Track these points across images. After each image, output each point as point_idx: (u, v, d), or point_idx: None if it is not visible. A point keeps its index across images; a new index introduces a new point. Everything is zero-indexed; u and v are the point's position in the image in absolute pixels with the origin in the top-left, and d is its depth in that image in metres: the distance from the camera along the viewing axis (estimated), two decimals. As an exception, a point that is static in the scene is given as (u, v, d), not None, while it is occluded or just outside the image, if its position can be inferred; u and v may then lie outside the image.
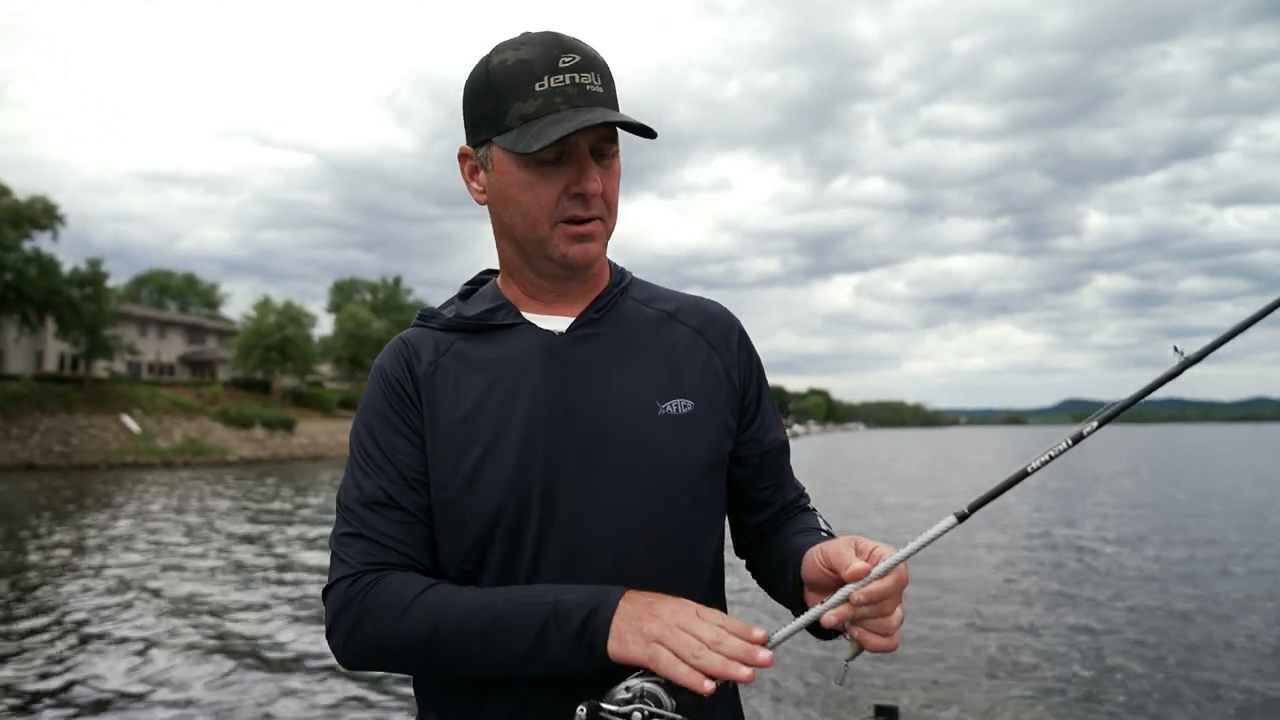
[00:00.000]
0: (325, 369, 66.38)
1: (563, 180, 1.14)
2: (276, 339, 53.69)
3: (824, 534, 1.28)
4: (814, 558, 1.12)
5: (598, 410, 1.18)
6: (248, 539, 15.02)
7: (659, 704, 0.97)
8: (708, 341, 1.29)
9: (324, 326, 68.70)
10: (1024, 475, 1.06)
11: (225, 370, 60.14)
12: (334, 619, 1.13)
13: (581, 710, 0.97)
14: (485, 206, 1.25)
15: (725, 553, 1.33)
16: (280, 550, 13.58)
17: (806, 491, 1.42)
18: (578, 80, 1.12)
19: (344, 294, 76.06)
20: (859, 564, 1.02)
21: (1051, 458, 1.06)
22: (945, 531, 1.02)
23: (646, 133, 1.14)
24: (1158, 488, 24.08)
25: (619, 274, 1.32)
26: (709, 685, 0.96)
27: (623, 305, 1.28)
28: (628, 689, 0.99)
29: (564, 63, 1.12)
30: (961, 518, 1.03)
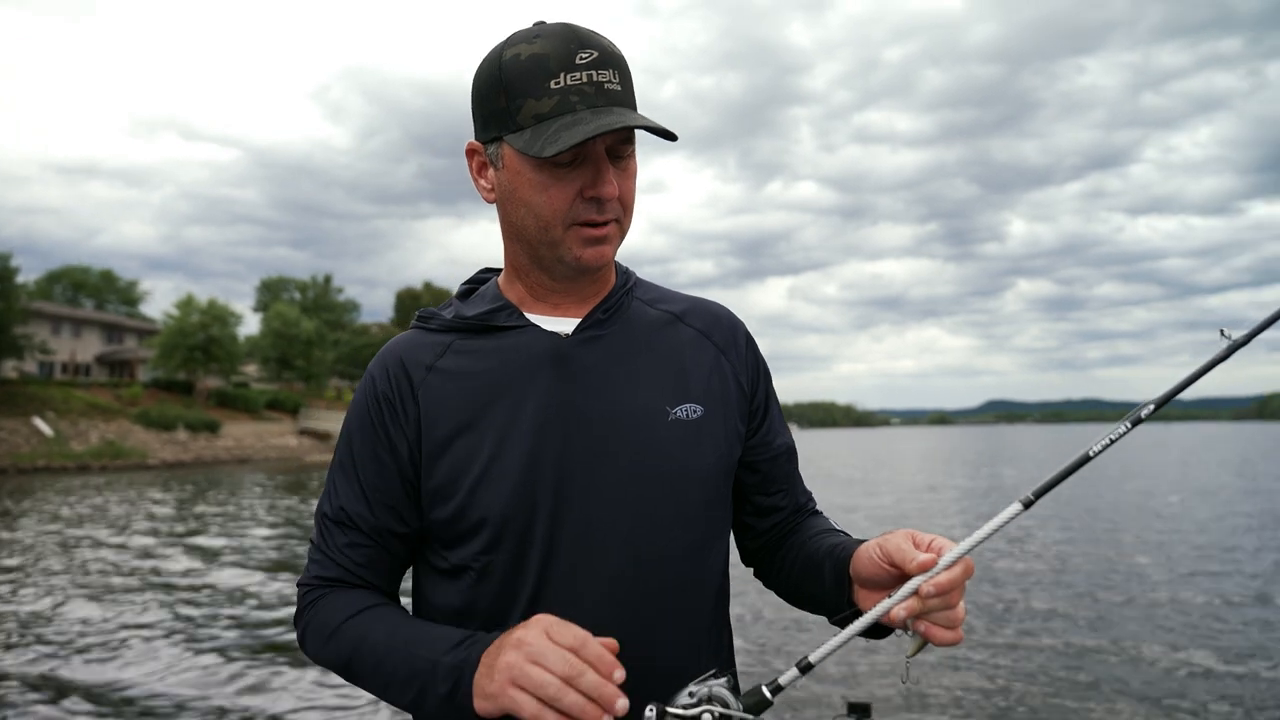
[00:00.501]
0: (252, 369, 64.53)
1: (578, 183, 1.10)
2: (200, 338, 51.94)
3: (842, 534, 1.26)
4: (870, 553, 1.08)
5: (609, 415, 1.15)
6: (149, 549, 14.12)
7: (726, 705, 0.95)
8: (715, 344, 1.27)
9: (250, 326, 66.98)
10: (1086, 459, 1.04)
11: (145, 371, 57.92)
12: (295, 620, 1.23)
13: (650, 711, 0.94)
14: (492, 204, 1.20)
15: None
16: (175, 565, 12.64)
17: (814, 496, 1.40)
18: (595, 78, 1.07)
19: (272, 293, 74.10)
20: (925, 555, 1.00)
21: (1112, 441, 1.05)
22: (1011, 519, 1.00)
23: (667, 135, 1.09)
24: (1085, 485, 24.93)
25: (624, 274, 1.28)
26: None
27: (628, 306, 1.25)
28: (691, 694, 0.97)
29: (581, 59, 1.07)
30: (1027, 504, 1.00)
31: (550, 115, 1.06)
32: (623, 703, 0.91)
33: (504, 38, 1.13)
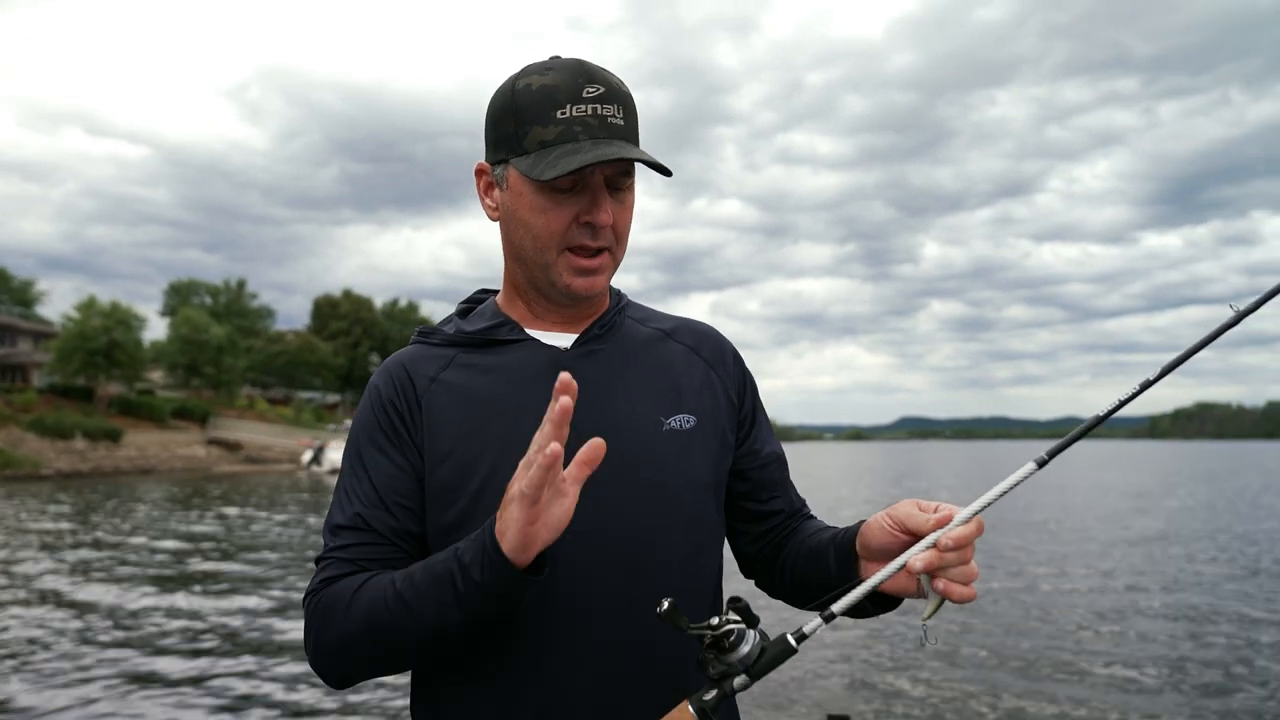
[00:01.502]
0: (158, 376, 61.81)
1: (575, 209, 1.15)
2: (102, 342, 49.44)
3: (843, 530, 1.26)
4: (880, 523, 1.11)
5: (607, 426, 1.15)
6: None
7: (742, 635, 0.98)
8: (704, 359, 1.32)
9: (157, 330, 64.20)
10: (1098, 421, 1.02)
11: (41, 375, 54.85)
12: (305, 637, 1.15)
13: (664, 604, 0.98)
14: (496, 223, 1.24)
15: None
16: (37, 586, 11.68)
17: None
18: (600, 111, 1.13)
19: (181, 296, 71.16)
20: (944, 511, 1.04)
21: (1122, 402, 1.04)
22: (1025, 478, 1.01)
23: (662, 171, 1.14)
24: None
25: (617, 296, 1.33)
26: (599, 444, 0.94)
27: (622, 324, 1.30)
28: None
29: (588, 93, 1.13)
30: (1041, 464, 1.02)
31: (554, 142, 1.12)
32: (565, 374, 0.94)
33: (520, 68, 1.20)
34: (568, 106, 1.12)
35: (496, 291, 1.33)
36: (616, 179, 1.16)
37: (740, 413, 1.32)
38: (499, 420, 1.16)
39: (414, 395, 1.19)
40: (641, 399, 1.22)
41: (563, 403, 0.92)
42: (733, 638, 0.96)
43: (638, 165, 1.17)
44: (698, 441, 1.23)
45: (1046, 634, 8.87)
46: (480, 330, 1.24)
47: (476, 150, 1.27)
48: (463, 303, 1.35)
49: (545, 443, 0.92)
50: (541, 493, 0.93)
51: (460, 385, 1.20)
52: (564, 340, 1.24)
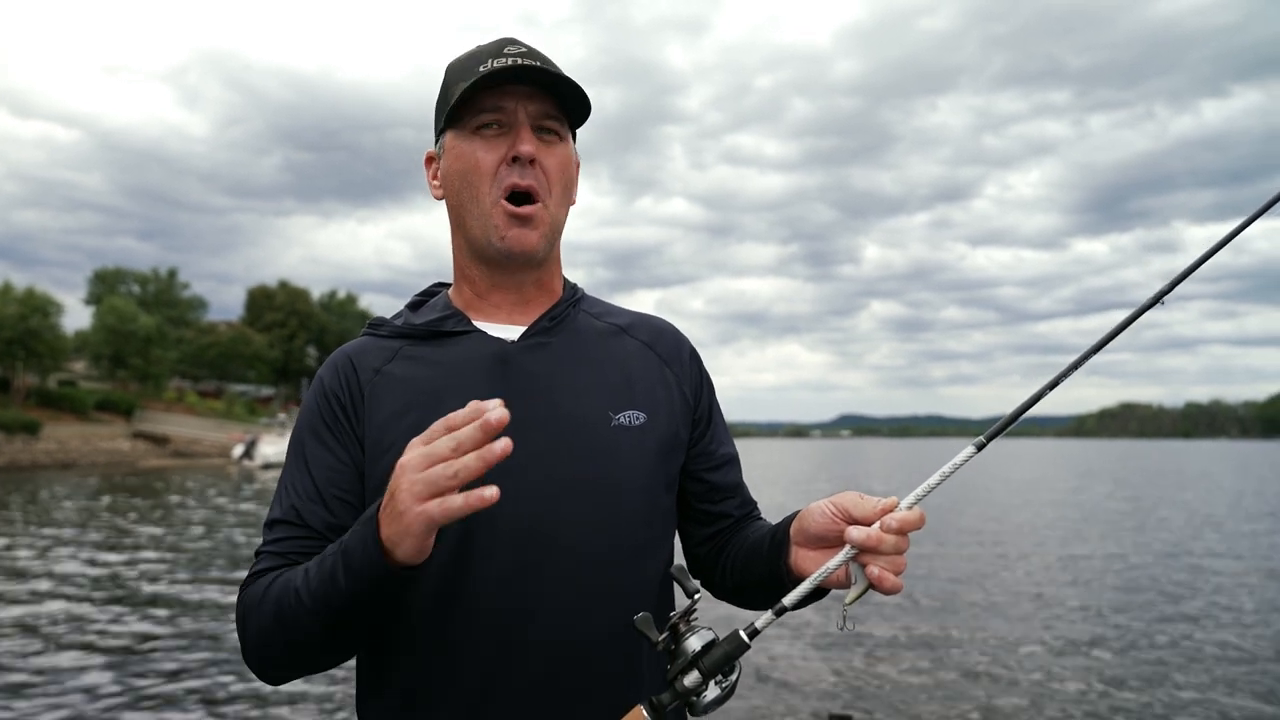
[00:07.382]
0: (81, 367, 59.44)
1: (503, 147, 1.15)
2: (18, 330, 47.25)
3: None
4: (820, 509, 1.08)
5: (552, 420, 1.16)
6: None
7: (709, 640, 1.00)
8: (659, 356, 1.29)
9: (82, 319, 61.73)
10: (1043, 394, 1.02)
11: (-48, 365, 52.18)
12: (238, 635, 1.14)
13: (640, 614, 1.00)
14: (443, 206, 1.25)
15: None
16: None
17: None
18: (521, 62, 1.13)
19: (107, 285, 68.46)
20: (889, 499, 1.03)
21: (1068, 372, 1.04)
22: (965, 461, 1.02)
23: (575, 91, 1.14)
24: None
25: (571, 288, 1.32)
26: (490, 492, 0.86)
27: (574, 317, 1.27)
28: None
29: (509, 50, 1.16)
30: (980, 447, 1.02)
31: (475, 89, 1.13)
32: (496, 412, 0.86)
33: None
34: (489, 61, 1.13)
35: (450, 285, 1.31)
36: (542, 121, 1.15)
37: (695, 412, 1.29)
38: (439, 414, 1.07)
39: (358, 387, 1.18)
40: (589, 393, 1.19)
41: (500, 414, 0.86)
42: (683, 629, 0.98)
43: (576, 131, 1.20)
44: (648, 438, 1.20)
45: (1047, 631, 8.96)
46: (427, 323, 1.22)
47: (424, 141, 1.26)
48: (416, 295, 1.33)
49: (470, 446, 0.86)
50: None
51: (404, 377, 1.18)
52: (512, 333, 1.21)
